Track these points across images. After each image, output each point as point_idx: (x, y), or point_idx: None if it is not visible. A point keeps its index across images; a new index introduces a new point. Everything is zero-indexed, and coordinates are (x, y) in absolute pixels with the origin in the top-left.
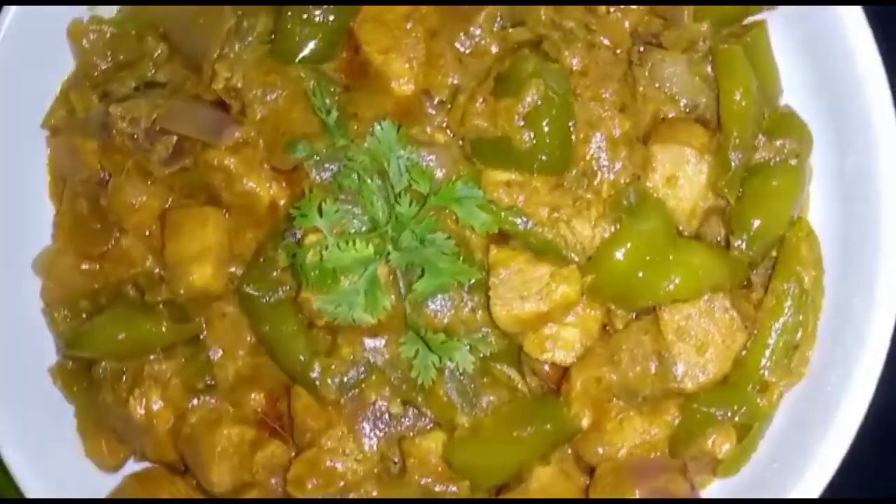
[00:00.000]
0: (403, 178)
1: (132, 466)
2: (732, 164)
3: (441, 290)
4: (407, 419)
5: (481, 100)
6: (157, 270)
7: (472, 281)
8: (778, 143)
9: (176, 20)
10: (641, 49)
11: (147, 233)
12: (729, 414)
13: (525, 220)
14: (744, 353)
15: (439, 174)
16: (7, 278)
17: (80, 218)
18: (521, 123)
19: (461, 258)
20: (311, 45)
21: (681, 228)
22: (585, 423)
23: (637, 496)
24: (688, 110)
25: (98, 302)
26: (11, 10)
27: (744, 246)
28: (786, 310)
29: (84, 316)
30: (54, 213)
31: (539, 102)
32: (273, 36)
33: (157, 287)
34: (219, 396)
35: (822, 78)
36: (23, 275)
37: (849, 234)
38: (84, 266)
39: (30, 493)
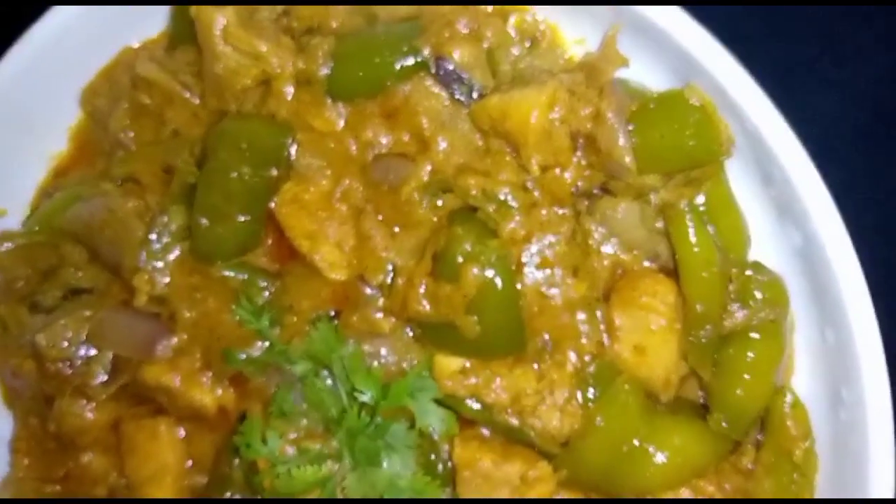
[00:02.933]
0: (348, 382)
1: None
2: (701, 340)
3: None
4: None
5: (421, 283)
6: (122, 482)
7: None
8: (750, 307)
9: (85, 230)
10: (587, 202)
11: (104, 447)
12: None
13: (486, 409)
14: None
15: (388, 364)
16: None
17: (35, 438)
18: (466, 311)
19: (426, 452)
20: (229, 241)
21: (657, 397)
22: None
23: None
24: (648, 262)
25: None
26: None
27: (725, 424)
28: (777, 486)
29: None
30: (10, 435)
31: (480, 288)
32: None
33: None
34: None
35: (786, 225)
36: None
37: (838, 406)
38: (48, 489)
39: None
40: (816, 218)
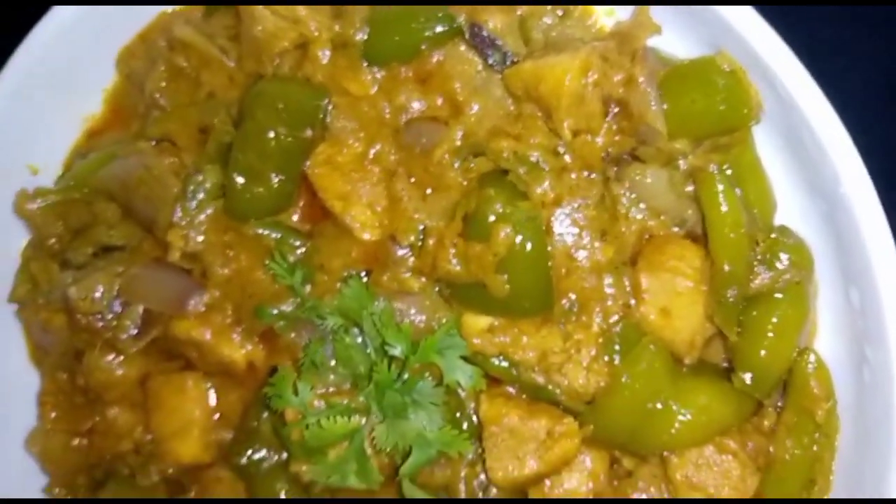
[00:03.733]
0: (378, 336)
1: None
2: (728, 300)
3: (430, 463)
4: None
5: (451, 243)
6: (147, 437)
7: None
8: (776, 270)
9: (120, 188)
10: (616, 168)
11: (131, 402)
12: None
13: (514, 367)
14: (759, 487)
15: (418, 323)
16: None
17: (63, 393)
18: (496, 270)
19: (452, 410)
20: (263, 199)
21: (681, 356)
22: None
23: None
24: (675, 227)
25: (94, 477)
26: None
27: (749, 383)
28: (799, 446)
29: (82, 492)
30: (38, 389)
31: (510, 248)
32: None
33: (146, 468)
34: None
35: (817, 196)
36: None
37: (861, 366)
38: (74, 442)
39: None
40: (846, 179)
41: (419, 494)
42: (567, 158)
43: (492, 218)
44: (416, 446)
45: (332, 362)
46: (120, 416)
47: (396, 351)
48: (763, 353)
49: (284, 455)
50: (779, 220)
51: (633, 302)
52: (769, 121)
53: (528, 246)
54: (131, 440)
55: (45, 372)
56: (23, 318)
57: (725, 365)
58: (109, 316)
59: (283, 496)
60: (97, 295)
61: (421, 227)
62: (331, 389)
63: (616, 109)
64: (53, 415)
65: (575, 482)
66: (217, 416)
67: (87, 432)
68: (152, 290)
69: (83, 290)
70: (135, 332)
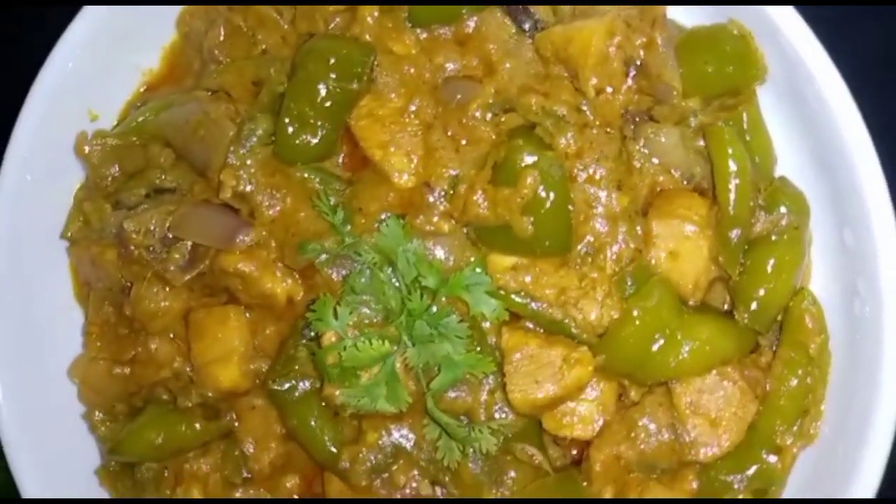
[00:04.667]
0: (412, 271)
1: None
2: (731, 241)
3: (457, 382)
4: (438, 499)
5: (481, 190)
6: (186, 369)
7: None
8: (776, 215)
9: (178, 132)
10: (634, 125)
11: (172, 335)
12: (745, 480)
13: (534, 302)
14: (756, 418)
15: (447, 262)
16: (43, 384)
17: (107, 325)
18: (522, 212)
19: (475, 343)
20: (311, 146)
21: (686, 298)
22: (608, 495)
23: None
24: (684, 181)
25: (133, 405)
26: (22, 127)
27: (748, 319)
28: (794, 377)
29: (121, 419)
30: (83, 320)
31: (536, 192)
32: (274, 138)
33: (187, 390)
34: (256, 486)
35: (814, 148)
36: (59, 380)
37: (851, 303)
38: (116, 371)
39: None
40: (843, 126)
41: (443, 417)
42: (589, 115)
43: (521, 164)
44: (444, 366)
45: (366, 297)
46: (161, 348)
47: (429, 282)
48: (762, 290)
49: (318, 384)
50: (778, 173)
51: (643, 248)
52: (773, 83)
53: (553, 190)
54: (171, 370)
55: (91, 306)
56: (73, 254)
57: (726, 308)
58: (160, 249)
59: (312, 423)
60: (150, 229)
61: (454, 173)
62: (364, 321)
63: (635, 72)
64: (98, 344)
65: (586, 410)
66: (254, 347)
67: (129, 361)
68: (202, 226)
69: (138, 223)
70: (183, 265)
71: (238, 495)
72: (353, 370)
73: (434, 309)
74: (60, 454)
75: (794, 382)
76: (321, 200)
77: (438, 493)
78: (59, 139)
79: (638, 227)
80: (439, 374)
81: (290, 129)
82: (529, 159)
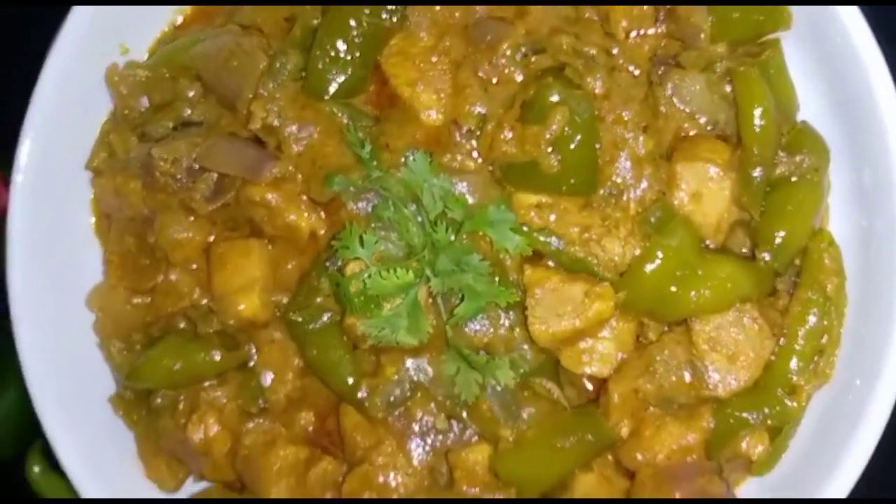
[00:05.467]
0: (437, 205)
1: (191, 486)
2: (754, 180)
3: (479, 312)
4: (452, 433)
5: (509, 128)
6: (204, 302)
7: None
8: (797, 158)
9: (209, 63)
10: (661, 70)
11: (194, 266)
12: (760, 417)
13: (557, 240)
14: (772, 358)
15: (471, 200)
16: (62, 313)
17: (128, 255)
18: (549, 149)
19: (497, 280)
20: (341, 81)
21: (707, 242)
22: (625, 431)
23: (677, 497)
24: (709, 127)
25: (151, 335)
26: (52, 59)
27: (769, 258)
28: (811, 316)
29: (138, 348)
30: (103, 251)
31: (565, 129)
32: (304, 73)
33: (207, 318)
34: (271, 418)
35: (836, 93)
36: (77, 309)
37: (869, 243)
38: (135, 300)
39: None
40: (869, 68)
41: (464, 349)
42: (619, 59)
43: (550, 101)
44: (467, 296)
45: (392, 235)
46: (182, 278)
47: (455, 214)
48: (782, 230)
49: (337, 317)
50: (799, 119)
51: (667, 191)
52: (797, 31)
53: (581, 128)
54: (190, 301)
55: (112, 236)
56: (97, 185)
57: (745, 251)
58: (186, 179)
59: (332, 353)
60: (177, 158)
61: (482, 111)
62: (386, 258)
63: (664, 16)
64: (118, 273)
65: (605, 347)
66: (275, 281)
67: (149, 291)
68: (230, 157)
69: (166, 152)
70: (208, 195)
71: (252, 426)
72: (377, 300)
73: (457, 242)
74: (77, 381)
75: (811, 322)
76: (351, 132)
77: (454, 427)
78: (90, 73)
79: (662, 171)
80: (461, 304)
81: (322, 64)
82: (558, 97)
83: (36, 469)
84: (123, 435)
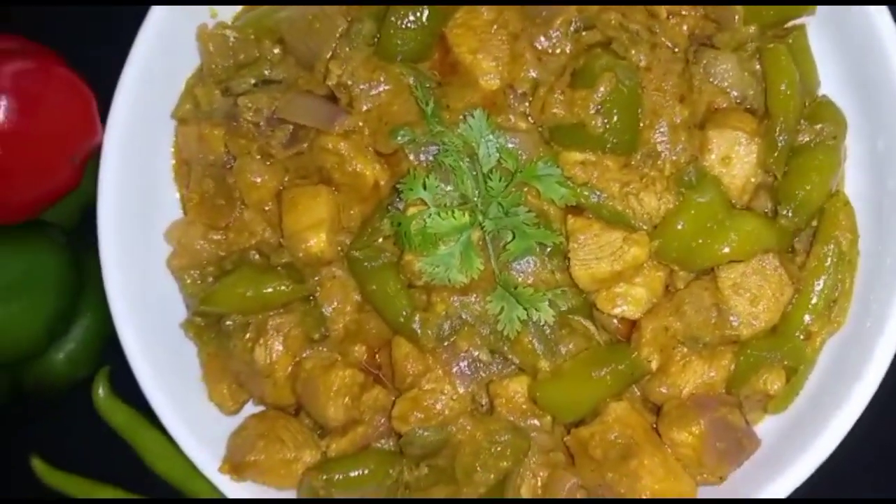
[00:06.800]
0: (492, 158)
1: (249, 410)
2: (779, 144)
3: (528, 251)
4: (494, 366)
5: (559, 92)
6: (273, 240)
7: (552, 247)
8: (817, 127)
9: (294, 24)
10: (696, 49)
11: (266, 207)
12: (778, 357)
13: (598, 193)
14: (790, 307)
15: (522, 156)
16: (142, 244)
17: (206, 195)
18: (595, 111)
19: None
20: (410, 47)
21: (733, 202)
22: (654, 365)
23: (701, 425)
24: (738, 101)
25: (223, 267)
26: (153, 16)
27: (790, 214)
28: (826, 269)
29: (210, 280)
30: (179, 192)
31: (611, 93)
32: (376, 39)
33: (278, 251)
34: (330, 347)
35: (854, 72)
36: (155, 242)
37: (881, 203)
38: (211, 235)
39: (175, 434)
40: (887, 44)
41: (511, 288)
42: (660, 37)
43: (598, 69)
44: (518, 234)
45: (448, 186)
46: (255, 217)
47: (508, 165)
48: (801, 191)
49: (395, 259)
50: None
51: (699, 155)
52: (821, 17)
53: (624, 94)
54: (259, 237)
55: (193, 178)
56: (180, 132)
57: (767, 212)
58: (265, 127)
59: (389, 288)
60: (259, 108)
61: (535, 76)
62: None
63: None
64: (197, 210)
65: (638, 292)
66: (340, 223)
67: (224, 228)
68: (306, 110)
69: (251, 101)
70: (285, 143)
71: (312, 352)
72: (434, 239)
73: (508, 192)
74: (151, 306)
75: (827, 275)
76: (417, 88)
77: (496, 360)
78: (181, 34)
79: (695, 139)
80: (512, 242)
81: (394, 30)
82: (606, 66)
83: (101, 392)
84: (190, 361)
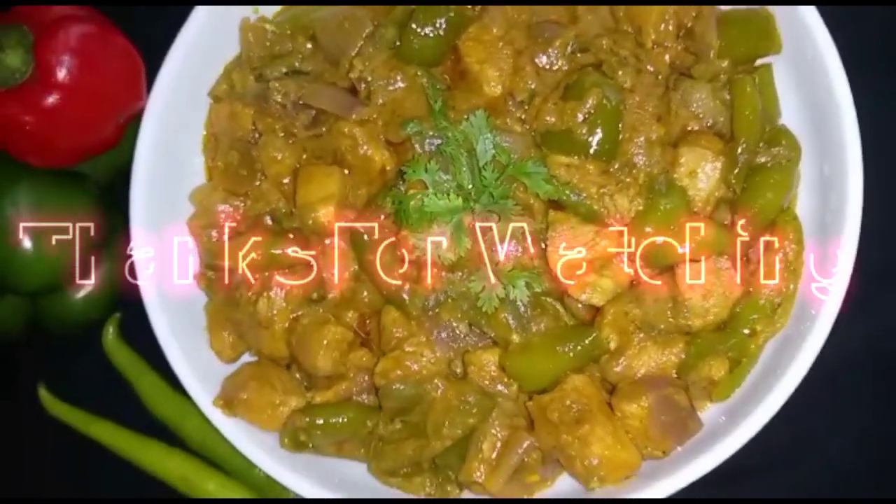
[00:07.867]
0: (488, 153)
1: (246, 359)
2: (739, 162)
3: (511, 236)
4: (471, 337)
5: (552, 102)
6: (285, 210)
7: (532, 234)
8: (774, 150)
9: (326, 23)
10: (676, 78)
11: (284, 181)
12: (724, 348)
13: (578, 193)
14: (739, 307)
15: (514, 155)
16: (168, 203)
17: (230, 166)
18: (582, 121)
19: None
20: (426, 52)
21: (697, 212)
22: (613, 345)
23: (650, 399)
24: (708, 125)
25: (238, 230)
26: (199, 11)
27: (745, 222)
28: (774, 276)
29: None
30: (205, 161)
31: (597, 107)
32: (398, 43)
33: (290, 217)
34: (325, 308)
35: (809, 106)
36: (180, 203)
37: (823, 220)
38: (231, 200)
39: (178, 371)
40: (835, 88)
41: (493, 265)
42: (645, 64)
43: (588, 85)
44: (503, 220)
45: (446, 175)
46: (272, 189)
47: (501, 159)
48: (757, 203)
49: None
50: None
51: (670, 168)
52: (785, 56)
53: (609, 109)
54: (272, 206)
55: (220, 150)
56: (214, 109)
57: (726, 223)
58: (291, 109)
59: (377, 262)
60: (287, 93)
61: (533, 87)
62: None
63: (684, 33)
64: (221, 177)
65: (606, 283)
66: (348, 200)
67: (243, 195)
68: (328, 98)
69: (280, 86)
70: (307, 124)
71: (304, 312)
72: (429, 217)
73: (499, 183)
74: (171, 259)
75: (774, 281)
76: (429, 87)
77: (473, 333)
78: (224, 24)
79: (668, 155)
80: (497, 226)
81: (413, 37)
82: (595, 82)
83: (110, 334)
84: (197, 314)
